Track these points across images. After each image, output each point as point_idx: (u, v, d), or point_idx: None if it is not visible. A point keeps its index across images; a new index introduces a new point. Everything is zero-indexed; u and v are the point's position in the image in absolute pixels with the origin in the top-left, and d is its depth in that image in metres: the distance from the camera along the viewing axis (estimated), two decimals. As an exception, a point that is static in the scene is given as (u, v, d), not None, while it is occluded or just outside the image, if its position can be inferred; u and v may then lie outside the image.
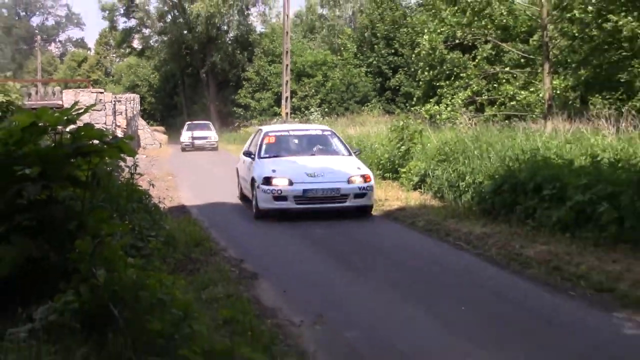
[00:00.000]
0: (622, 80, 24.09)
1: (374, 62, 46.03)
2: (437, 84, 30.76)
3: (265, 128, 16.10)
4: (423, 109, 29.52)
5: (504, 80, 29.32)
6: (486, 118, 24.74)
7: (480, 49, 29.92)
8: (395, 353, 6.17)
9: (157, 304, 4.48)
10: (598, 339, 6.45)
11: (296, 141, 15.20)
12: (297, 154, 14.44)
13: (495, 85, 29.40)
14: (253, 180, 13.34)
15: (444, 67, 30.34)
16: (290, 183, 12.70)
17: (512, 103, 27.83)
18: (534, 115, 24.13)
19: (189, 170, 25.72)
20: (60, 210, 4.53)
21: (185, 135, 41.17)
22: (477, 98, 28.92)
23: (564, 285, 8.16)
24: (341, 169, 13.39)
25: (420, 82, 33.34)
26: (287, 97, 34.77)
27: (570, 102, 24.61)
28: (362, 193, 12.92)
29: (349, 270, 9.26)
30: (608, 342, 6.36)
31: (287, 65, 34.75)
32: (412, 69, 36.34)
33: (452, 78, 30.20)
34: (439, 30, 29.82)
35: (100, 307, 4.12)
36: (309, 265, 9.44)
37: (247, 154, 14.71)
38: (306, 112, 40.40)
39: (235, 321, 6.23)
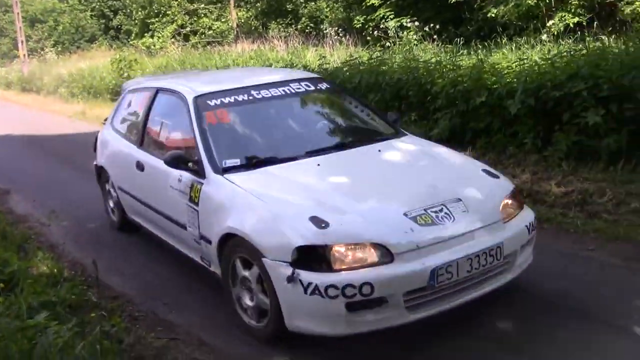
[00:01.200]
0: (289, 9, 24.68)
1: (97, 6, 42.70)
2: (150, 20, 29.39)
3: (186, 90, 4.60)
4: (140, 42, 28.21)
5: (202, 15, 28.83)
6: (192, 45, 24.32)
7: (181, -10, 29.01)
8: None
9: None
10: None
11: (272, 113, 4.53)
12: (302, 151, 4.12)
13: (195, 19, 28.84)
14: (227, 242, 3.64)
15: (154, 7, 29.05)
16: (388, 255, 3.08)
17: (209, 32, 27.54)
18: (227, 40, 24.13)
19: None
20: None
21: None
22: (182, 30, 28.28)
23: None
24: (459, 182, 3.78)
25: (136, 21, 31.60)
26: (22, 41, 31.69)
27: (253, 29, 24.78)
28: (530, 239, 3.73)
29: (82, 175, 7.77)
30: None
31: (18, 13, 31.50)
32: (129, 10, 34.25)
33: (161, 15, 29.06)
34: (143, -24, 28.55)
35: None
36: (53, 177, 8.73)
37: (173, 162, 4.06)
38: (42, 52, 36.71)
39: (-12, 231, 5.65)
